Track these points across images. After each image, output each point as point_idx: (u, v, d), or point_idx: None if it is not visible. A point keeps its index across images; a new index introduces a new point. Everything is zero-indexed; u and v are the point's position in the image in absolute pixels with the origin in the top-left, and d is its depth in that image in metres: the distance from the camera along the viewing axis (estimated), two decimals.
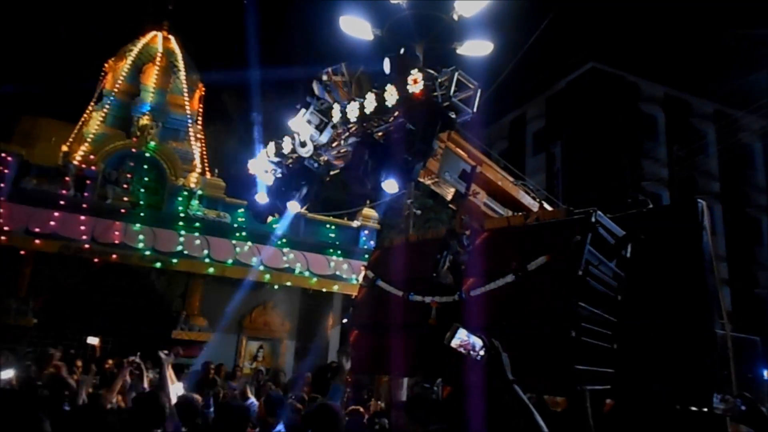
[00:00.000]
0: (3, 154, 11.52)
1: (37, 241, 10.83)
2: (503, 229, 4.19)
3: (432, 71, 4.03)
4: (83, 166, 12.48)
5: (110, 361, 9.86)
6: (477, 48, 9.67)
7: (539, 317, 3.45)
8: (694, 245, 4.25)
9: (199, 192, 13.43)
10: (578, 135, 25.00)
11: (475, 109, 3.88)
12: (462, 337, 2.34)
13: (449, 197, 4.88)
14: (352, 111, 4.49)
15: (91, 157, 12.70)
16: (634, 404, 3.96)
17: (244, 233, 13.15)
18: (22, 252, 11.09)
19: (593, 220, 3.57)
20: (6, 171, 11.39)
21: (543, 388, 3.57)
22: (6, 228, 10.62)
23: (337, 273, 13.57)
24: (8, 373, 6.29)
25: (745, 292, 24.46)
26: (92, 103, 15.58)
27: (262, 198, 5.94)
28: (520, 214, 4.55)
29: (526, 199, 5.14)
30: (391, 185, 4.27)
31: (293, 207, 5.31)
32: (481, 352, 2.33)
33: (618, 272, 3.85)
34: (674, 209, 6.39)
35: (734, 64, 23.77)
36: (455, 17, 9.14)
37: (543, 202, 5.46)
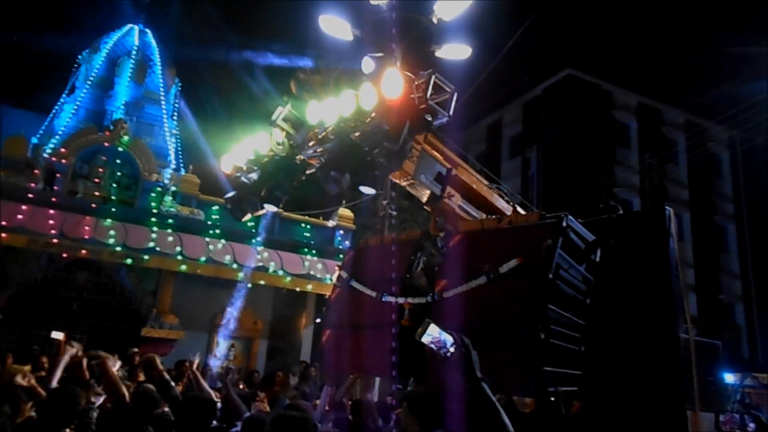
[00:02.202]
0: None
1: (3, 235, 10.56)
2: (477, 231, 4.24)
3: (409, 73, 4.05)
4: (53, 159, 12.22)
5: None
6: (455, 51, 9.74)
7: (510, 319, 3.50)
8: (661, 251, 4.36)
9: (173, 188, 13.26)
10: (553, 140, 25.36)
11: (451, 113, 3.91)
12: (433, 334, 2.36)
13: (425, 199, 4.92)
14: (329, 111, 4.50)
15: (62, 150, 12.44)
16: (602, 406, 4.05)
17: (217, 231, 13.02)
18: None
19: (564, 224, 3.65)
20: None
21: (512, 388, 3.63)
22: None
23: (312, 273, 13.52)
24: None
25: (710, 298, 25.10)
26: (64, 95, 15.27)
27: (236, 196, 5.90)
28: (494, 217, 4.60)
29: (501, 203, 5.21)
30: (366, 186, 4.28)
31: (269, 206, 5.28)
32: (451, 349, 2.35)
33: (587, 276, 3.93)
34: (643, 216, 6.54)
35: (705, 76, 24.40)
36: (434, 20, 9.20)
37: (517, 205, 5.53)
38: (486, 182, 5.34)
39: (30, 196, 11.39)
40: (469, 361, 2.35)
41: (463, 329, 3.34)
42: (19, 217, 10.83)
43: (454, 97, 3.91)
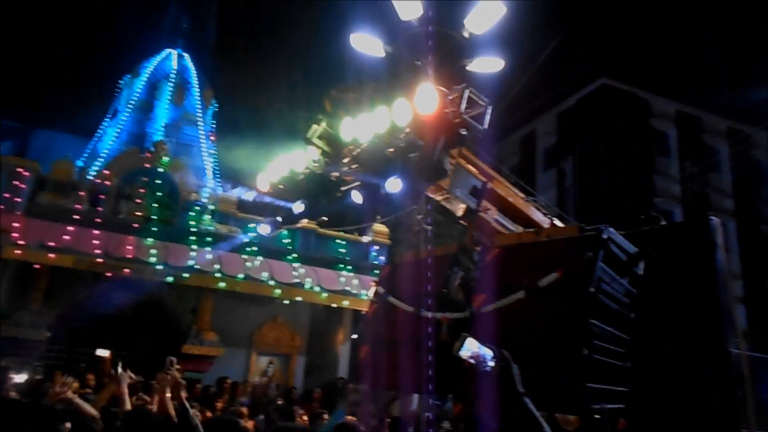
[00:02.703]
0: (19, 169, 11.69)
1: (51, 255, 10.93)
2: (514, 245, 4.19)
3: (443, 88, 4.07)
4: (98, 181, 12.63)
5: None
6: (487, 65, 9.69)
7: (551, 334, 3.43)
8: (708, 263, 4.21)
9: (211, 207, 13.53)
10: (589, 151, 24.94)
11: (486, 126, 3.90)
12: (472, 348, 2.32)
13: (460, 213, 4.89)
14: (364, 127, 4.54)
15: (106, 172, 12.86)
16: (648, 424, 3.91)
17: (255, 248, 13.21)
18: (36, 266, 11.18)
19: (605, 236, 3.57)
20: (22, 186, 11.55)
21: (554, 405, 3.54)
22: (21, 242, 10.73)
23: (347, 288, 13.55)
24: (21, 377, 6.39)
25: (760, 310, 24.10)
26: (107, 119, 15.83)
27: (272, 212, 5.99)
28: (532, 230, 4.54)
29: (537, 216, 5.14)
30: (401, 201, 4.29)
31: (304, 222, 5.34)
32: (491, 363, 2.32)
33: (630, 289, 3.83)
34: (687, 226, 6.35)
35: (746, 81, 23.70)
36: (466, 34, 9.21)
37: (554, 218, 5.45)
38: (522, 195, 5.28)
39: (76, 217, 11.78)
40: (510, 375, 2.31)
41: (503, 344, 3.29)
42: (66, 237, 11.21)
43: (489, 111, 3.91)
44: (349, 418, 6.06)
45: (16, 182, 11.51)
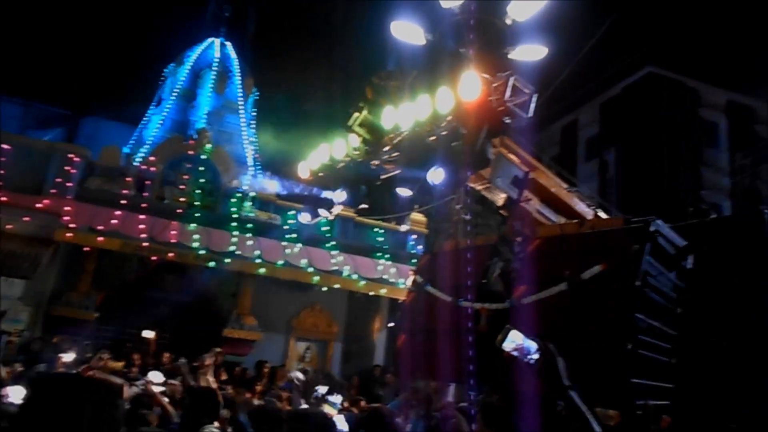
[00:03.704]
0: (71, 155, 12.10)
1: (99, 239, 11.31)
2: (557, 236, 4.12)
3: (487, 76, 4.01)
4: (144, 167, 12.98)
5: (167, 355, 10.21)
6: (530, 52, 9.52)
7: (594, 328, 3.37)
8: (760, 257, 4.06)
9: (252, 194, 13.75)
10: (634, 142, 24.24)
11: (530, 114, 3.84)
12: (516, 340, 2.30)
13: (500, 203, 4.84)
14: (405, 115, 4.52)
15: (151, 159, 13.20)
16: (694, 422, 3.81)
17: (294, 235, 13.38)
18: (85, 249, 11.59)
19: (653, 228, 3.47)
20: (73, 171, 11.97)
21: (596, 400, 3.48)
22: (72, 225, 11.14)
23: (385, 277, 13.60)
24: (69, 357, 6.67)
25: None
26: (152, 107, 16.22)
27: (313, 198, 6.04)
28: (575, 221, 4.46)
29: (581, 207, 5.04)
30: (440, 190, 4.26)
31: (343, 210, 5.36)
32: (535, 356, 2.29)
33: (678, 284, 3.72)
34: (739, 220, 6.11)
35: None
36: (508, 21, 9.04)
37: (598, 209, 5.34)
38: (565, 185, 5.18)
39: (123, 202, 12.14)
40: (556, 368, 2.28)
41: (543, 337, 3.25)
42: (114, 222, 11.57)
43: (533, 99, 3.83)
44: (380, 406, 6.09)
45: (68, 168, 11.93)
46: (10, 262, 10.31)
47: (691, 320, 3.69)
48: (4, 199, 10.94)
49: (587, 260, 3.58)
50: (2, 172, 11.24)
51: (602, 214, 5.22)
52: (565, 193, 4.95)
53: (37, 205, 11.18)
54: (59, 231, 10.98)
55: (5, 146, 11.50)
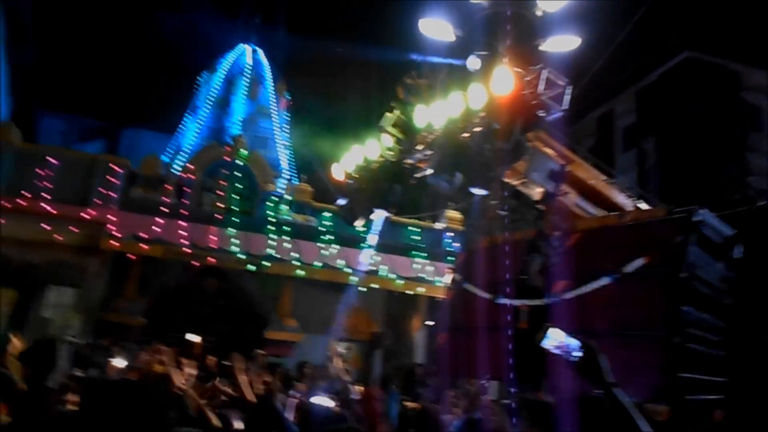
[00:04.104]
0: (113, 166, 12.49)
1: (143, 246, 11.63)
2: (597, 229, 4.06)
3: (519, 69, 3.97)
4: (183, 175, 13.30)
5: (211, 358, 10.42)
6: (562, 44, 9.36)
7: (638, 321, 3.30)
8: None
9: (288, 197, 13.93)
10: (673, 129, 23.55)
11: (565, 106, 3.78)
12: (557, 338, 2.27)
13: (537, 197, 4.79)
14: (437, 113, 4.51)
15: (189, 166, 13.51)
16: (747, 416, 3.69)
17: (330, 236, 13.49)
18: (131, 256, 11.95)
19: (697, 218, 3.38)
20: (115, 181, 12.34)
21: (643, 395, 3.41)
22: (117, 234, 11.50)
23: (422, 275, 13.59)
24: (121, 362, 6.88)
25: None
26: (188, 116, 16.61)
27: (348, 203, 6.08)
28: (615, 213, 4.38)
29: (620, 198, 4.95)
30: (477, 188, 4.24)
31: (379, 211, 5.39)
32: (577, 354, 2.26)
33: (727, 274, 3.61)
34: None
35: None
36: (539, 13, 8.91)
37: (638, 201, 5.23)
38: (603, 177, 5.09)
39: (164, 209, 12.46)
40: (598, 365, 2.24)
41: (586, 332, 3.20)
42: (156, 229, 11.89)
43: (568, 91, 3.78)
44: (411, 405, 6.08)
45: (110, 178, 12.31)
46: (60, 272, 10.71)
47: (742, 311, 3.58)
48: (52, 210, 11.37)
49: (629, 253, 3.52)
50: (50, 185, 11.69)
51: (643, 206, 5.11)
52: (604, 185, 4.87)
53: (84, 216, 11.58)
54: (105, 240, 11.35)
55: (52, 160, 11.94)
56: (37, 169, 11.73)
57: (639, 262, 3.42)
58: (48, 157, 11.98)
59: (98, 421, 1.80)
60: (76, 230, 11.41)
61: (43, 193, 11.55)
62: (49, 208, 11.39)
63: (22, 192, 11.41)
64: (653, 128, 24.81)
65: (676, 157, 23.03)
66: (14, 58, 16.92)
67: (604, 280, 3.61)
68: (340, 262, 13.02)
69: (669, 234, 3.41)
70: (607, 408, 2.22)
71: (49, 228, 11.25)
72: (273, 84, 16.78)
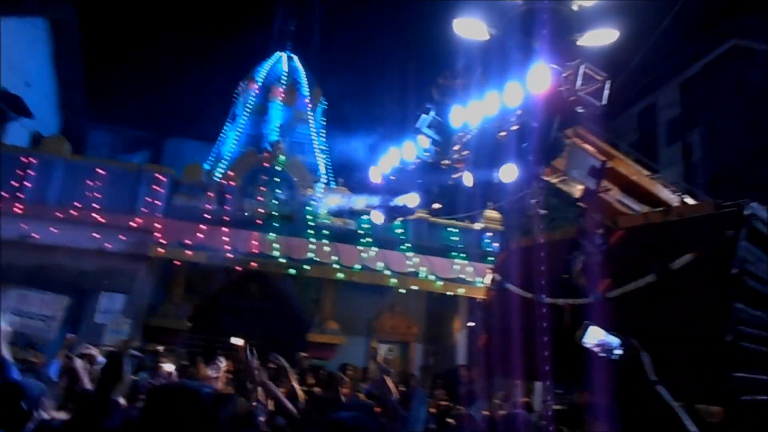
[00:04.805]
0: (157, 175, 12.87)
1: (188, 252, 11.94)
2: (641, 226, 3.95)
3: (555, 66, 3.92)
4: (223, 182, 13.59)
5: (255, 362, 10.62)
6: (600, 37, 9.18)
7: (688, 320, 3.20)
8: None
9: (326, 201, 14.06)
10: (720, 121, 22.71)
11: (604, 101, 3.71)
12: (597, 336, 2.24)
13: (578, 195, 4.70)
14: (473, 113, 4.49)
15: (230, 173, 13.79)
16: None
17: (369, 239, 13.55)
18: (176, 262, 12.28)
19: (747, 212, 3.26)
20: (161, 190, 12.72)
21: (695, 396, 3.30)
22: (163, 241, 11.84)
23: (462, 276, 13.50)
24: (170, 367, 7.08)
25: None
26: (228, 124, 16.98)
27: (386, 203, 6.10)
28: (660, 209, 4.26)
29: (665, 194, 4.82)
30: (514, 185, 4.20)
31: (418, 211, 5.39)
32: (618, 352, 2.22)
33: None
34: None
35: None
36: (575, 8, 8.76)
37: (684, 195, 5.08)
38: (646, 172, 4.97)
39: (207, 216, 12.77)
40: (640, 363, 2.20)
41: (633, 332, 3.13)
42: (200, 236, 12.19)
43: (607, 86, 3.71)
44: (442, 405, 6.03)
45: (156, 187, 12.70)
46: (110, 278, 11.10)
47: None
48: (102, 219, 11.81)
49: (676, 249, 3.42)
50: (99, 195, 12.14)
51: (689, 200, 4.96)
52: (647, 181, 4.75)
53: (131, 224, 11.99)
54: (152, 247, 11.71)
55: (101, 171, 12.40)
56: (86, 180, 12.21)
57: (687, 259, 3.32)
58: (97, 169, 12.45)
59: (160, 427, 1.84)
60: (124, 238, 11.82)
61: (93, 203, 12.01)
62: (98, 217, 11.83)
63: (74, 202, 11.89)
64: (698, 120, 23.99)
65: (724, 149, 22.20)
66: (62, 74, 17.64)
67: (650, 278, 3.51)
68: (380, 265, 13.06)
69: (718, 229, 3.29)
70: (652, 406, 2.17)
71: (99, 236, 11.69)
72: (309, 90, 16.98)
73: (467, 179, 4.78)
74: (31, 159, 12.00)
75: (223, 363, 6.55)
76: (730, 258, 3.12)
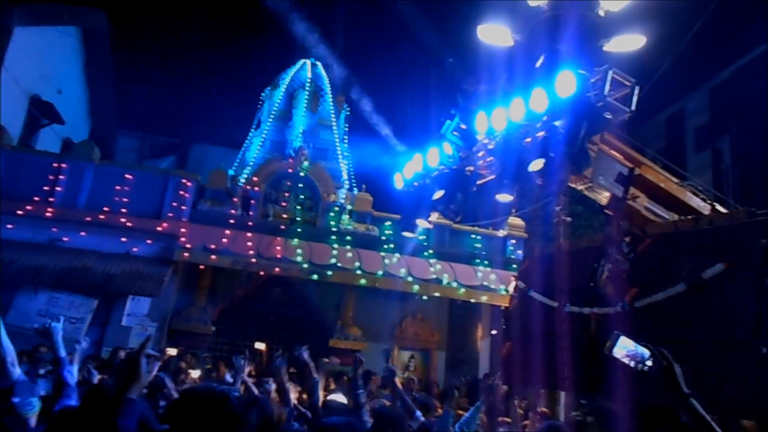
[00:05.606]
0: (183, 180, 13.06)
1: (213, 257, 12.08)
2: (670, 234, 3.87)
3: (583, 71, 3.87)
4: (248, 187, 13.73)
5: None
6: (627, 43, 9.06)
7: (720, 331, 3.12)
8: None
9: (349, 207, 14.10)
10: (751, 127, 22.20)
11: (633, 107, 3.65)
12: (627, 347, 2.19)
13: (604, 202, 4.63)
14: (498, 119, 4.46)
15: (254, 179, 13.93)
16: None
17: (392, 245, 13.55)
18: (201, 267, 12.43)
19: None
20: (187, 195, 12.90)
21: (729, 410, 3.21)
22: (188, 246, 12.00)
23: (485, 283, 13.40)
24: (196, 373, 7.15)
25: None
26: (252, 130, 17.15)
27: (410, 209, 6.09)
28: (690, 217, 4.17)
29: (695, 201, 4.72)
30: (538, 192, 4.16)
31: (439, 217, 5.37)
32: (649, 363, 2.16)
33: None
34: None
35: None
36: (601, 13, 8.67)
37: (715, 203, 4.96)
38: (675, 180, 4.87)
39: (231, 221, 12.90)
40: (673, 375, 2.14)
41: (661, 342, 3.06)
42: (224, 240, 12.33)
43: (636, 91, 3.64)
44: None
45: (181, 192, 12.88)
46: (137, 282, 11.28)
47: None
48: (129, 224, 12.02)
49: (707, 258, 3.34)
50: (126, 199, 12.36)
51: (720, 208, 4.84)
52: (676, 188, 4.65)
53: (158, 229, 12.18)
54: (178, 251, 11.88)
55: (128, 176, 12.63)
56: (115, 185, 12.44)
57: (718, 268, 3.24)
58: (125, 174, 12.68)
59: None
60: (151, 242, 12.02)
61: (120, 208, 12.24)
62: (126, 221, 12.05)
63: (103, 207, 12.13)
64: (729, 127, 23.48)
65: (755, 156, 21.68)
66: (93, 81, 18.06)
67: (680, 287, 3.43)
68: (402, 271, 13.04)
69: (752, 237, 3.20)
70: (684, 420, 2.11)
71: (126, 240, 11.90)
72: (332, 96, 17.07)
73: (503, 198, 4.74)
74: (61, 164, 12.28)
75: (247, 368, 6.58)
76: (764, 267, 3.03)
